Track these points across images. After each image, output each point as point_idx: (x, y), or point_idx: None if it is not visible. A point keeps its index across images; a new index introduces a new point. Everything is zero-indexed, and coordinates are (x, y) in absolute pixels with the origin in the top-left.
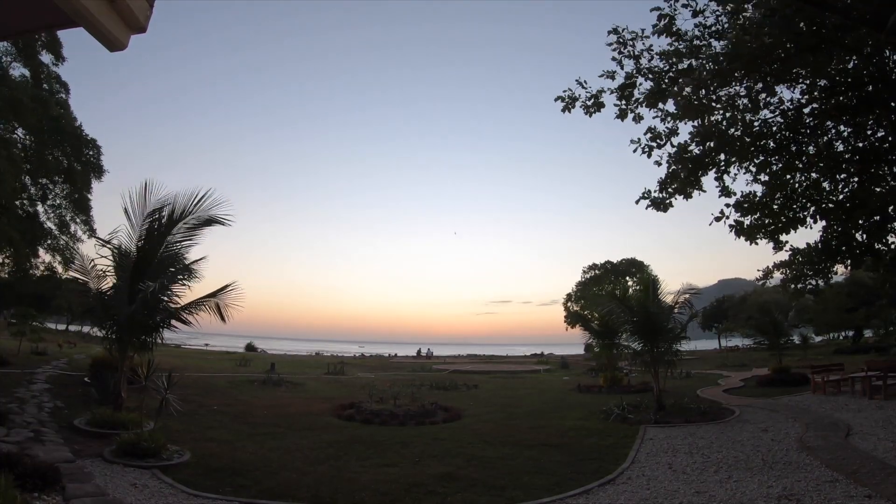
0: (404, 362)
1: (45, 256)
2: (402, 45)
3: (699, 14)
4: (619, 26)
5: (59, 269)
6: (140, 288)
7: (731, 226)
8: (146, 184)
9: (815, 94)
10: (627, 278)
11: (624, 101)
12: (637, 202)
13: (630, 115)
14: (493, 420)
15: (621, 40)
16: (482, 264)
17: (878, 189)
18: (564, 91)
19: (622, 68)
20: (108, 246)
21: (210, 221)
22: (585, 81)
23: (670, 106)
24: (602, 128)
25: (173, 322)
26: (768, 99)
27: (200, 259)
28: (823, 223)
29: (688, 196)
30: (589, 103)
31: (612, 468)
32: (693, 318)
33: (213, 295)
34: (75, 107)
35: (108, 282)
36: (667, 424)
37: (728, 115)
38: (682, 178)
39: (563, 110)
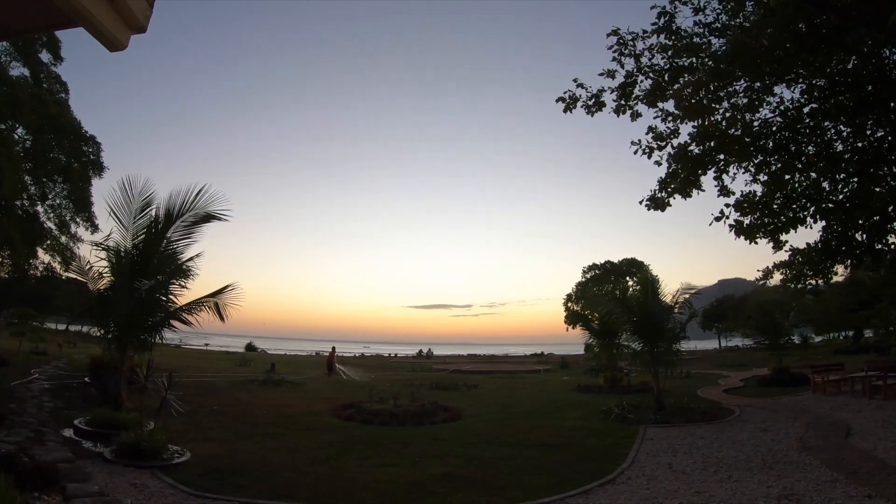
0: (404, 362)
1: (44, 257)
2: (396, 45)
3: (700, 11)
4: (619, 28)
5: (59, 269)
6: (136, 286)
7: (730, 225)
8: (127, 179)
9: (815, 93)
10: (627, 278)
11: (623, 99)
12: (641, 202)
13: (628, 112)
14: (493, 420)
15: (622, 41)
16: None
17: (877, 189)
18: (565, 92)
19: (622, 67)
20: (105, 246)
21: (208, 217)
22: (585, 83)
23: (669, 105)
24: (601, 128)
25: (173, 322)
26: (767, 98)
27: (198, 255)
28: (823, 223)
29: (687, 195)
30: (590, 103)
31: (612, 468)
32: (693, 318)
33: (213, 295)
34: (75, 107)
35: (107, 281)
36: (667, 424)
37: (728, 114)
38: (681, 178)
39: (565, 110)
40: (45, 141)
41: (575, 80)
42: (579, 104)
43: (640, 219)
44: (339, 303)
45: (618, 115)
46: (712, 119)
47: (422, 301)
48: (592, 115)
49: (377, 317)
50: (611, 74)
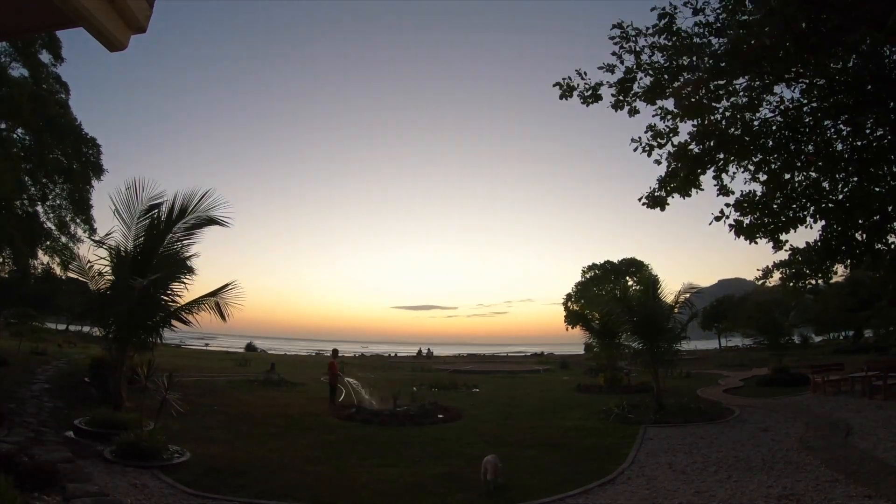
0: (404, 362)
1: (44, 257)
2: (391, 46)
3: (700, 12)
4: (624, 21)
5: (58, 270)
6: (130, 284)
7: (730, 225)
8: (135, 181)
9: (815, 93)
10: (627, 278)
11: (622, 95)
12: (640, 200)
13: (626, 108)
14: (493, 420)
15: (625, 35)
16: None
17: (877, 189)
18: (564, 79)
19: (622, 63)
20: (105, 246)
21: (210, 221)
22: (585, 73)
23: (669, 104)
24: (599, 126)
25: (173, 322)
26: (767, 97)
27: (195, 255)
28: (823, 223)
29: (687, 195)
30: (587, 94)
31: (612, 468)
32: (693, 318)
33: (214, 294)
34: (75, 107)
35: (107, 281)
36: (667, 424)
37: (728, 113)
38: (681, 177)
39: (561, 97)
40: (44, 141)
41: (577, 71)
42: (576, 93)
43: (640, 219)
44: (335, 303)
45: (616, 111)
46: (712, 118)
47: (409, 302)
48: (588, 106)
49: (370, 317)
50: (610, 69)
